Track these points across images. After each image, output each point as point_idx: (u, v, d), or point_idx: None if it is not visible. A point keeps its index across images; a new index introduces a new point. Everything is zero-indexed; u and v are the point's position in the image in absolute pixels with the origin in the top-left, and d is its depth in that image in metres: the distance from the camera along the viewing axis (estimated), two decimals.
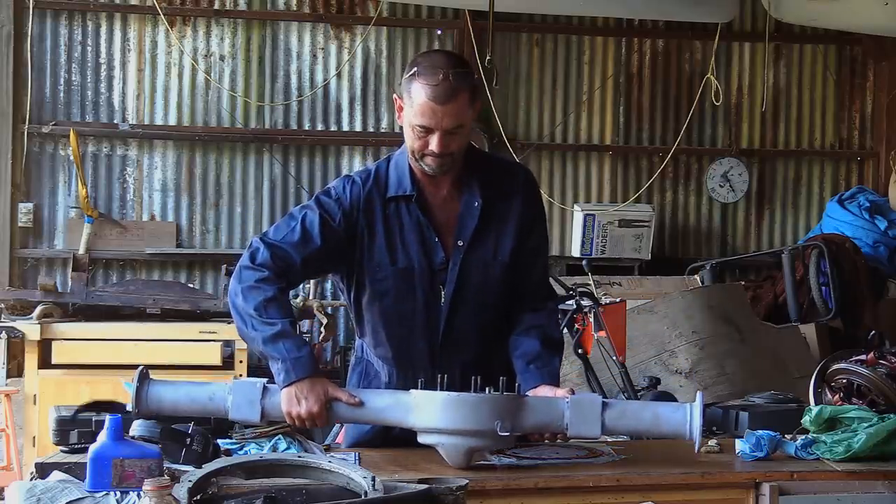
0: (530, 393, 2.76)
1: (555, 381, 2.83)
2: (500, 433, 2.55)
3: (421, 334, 2.89)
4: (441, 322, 2.88)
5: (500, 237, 2.89)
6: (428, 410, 2.59)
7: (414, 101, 2.73)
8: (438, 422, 2.57)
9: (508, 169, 3.05)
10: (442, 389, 2.62)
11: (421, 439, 2.64)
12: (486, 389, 2.58)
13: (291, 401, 2.65)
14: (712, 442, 2.89)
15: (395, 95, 2.86)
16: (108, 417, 2.27)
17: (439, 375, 2.67)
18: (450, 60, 2.78)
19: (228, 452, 2.58)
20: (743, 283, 7.02)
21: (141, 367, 2.64)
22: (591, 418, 2.64)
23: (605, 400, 2.69)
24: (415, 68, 2.76)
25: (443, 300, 2.87)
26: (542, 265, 3.03)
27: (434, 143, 2.74)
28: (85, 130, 7.13)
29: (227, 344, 6.09)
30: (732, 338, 5.70)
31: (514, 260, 2.91)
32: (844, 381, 3.42)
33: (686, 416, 2.64)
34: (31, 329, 5.87)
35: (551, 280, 3.38)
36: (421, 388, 2.65)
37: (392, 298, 2.88)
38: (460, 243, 2.86)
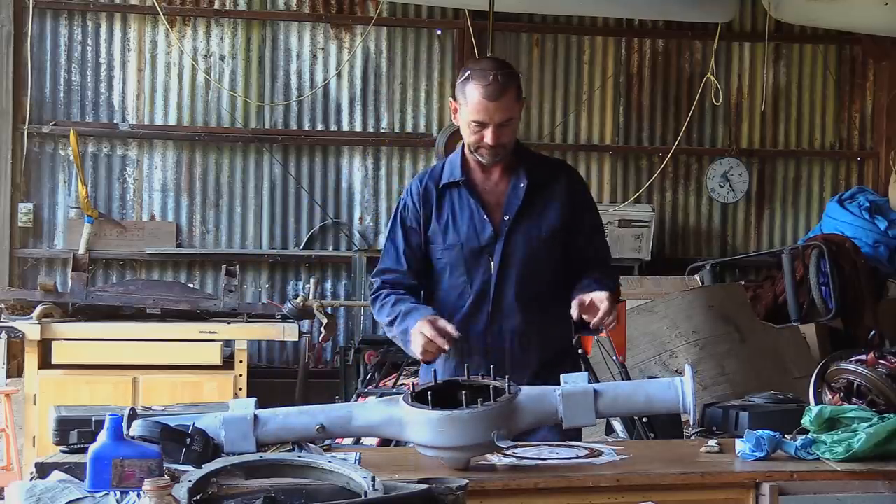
0: (585, 295, 3.07)
1: (609, 289, 3.11)
2: (497, 443, 2.55)
3: (474, 307, 3.24)
4: (490, 294, 3.23)
5: (543, 215, 3.26)
6: (424, 430, 2.58)
7: (469, 101, 3.16)
8: (435, 440, 2.58)
9: (553, 162, 3.63)
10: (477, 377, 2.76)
11: (420, 451, 2.65)
12: (478, 401, 2.58)
13: (418, 336, 3.05)
14: (712, 442, 2.89)
15: (450, 99, 3.30)
16: (108, 417, 2.27)
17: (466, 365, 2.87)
18: (497, 64, 3.26)
19: None
20: (743, 283, 7.01)
21: (129, 409, 2.62)
22: (585, 409, 2.65)
23: (596, 388, 2.68)
24: (468, 73, 3.20)
25: (492, 272, 3.23)
26: (598, 247, 3.37)
27: (488, 136, 3.15)
28: (85, 130, 7.13)
29: (227, 344, 6.10)
30: (732, 338, 5.70)
31: (561, 237, 3.26)
32: (844, 381, 3.42)
33: (678, 393, 2.65)
34: (31, 329, 5.87)
35: None
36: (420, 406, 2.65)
37: (447, 274, 3.28)
38: (506, 218, 3.24)
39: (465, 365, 2.84)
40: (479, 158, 3.22)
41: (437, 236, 3.28)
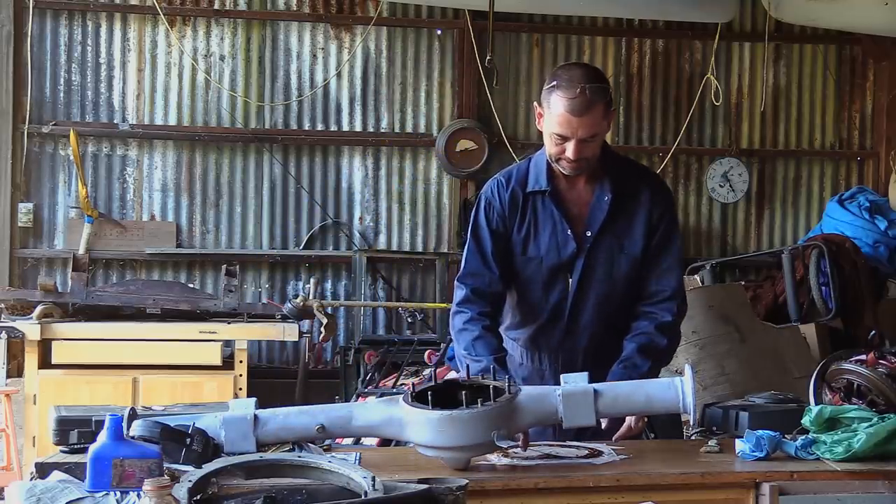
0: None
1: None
2: (497, 443, 2.55)
3: (547, 321, 3.14)
4: (566, 312, 3.13)
5: (627, 231, 3.11)
6: (424, 430, 2.58)
7: (552, 112, 2.98)
8: (435, 440, 2.58)
9: (640, 171, 3.31)
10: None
11: (420, 451, 2.65)
12: (478, 401, 2.58)
13: None
14: (712, 442, 2.89)
15: (535, 103, 3.11)
16: (108, 417, 2.26)
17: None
18: (588, 74, 3.00)
19: None
20: (743, 283, 7.01)
21: (129, 409, 2.62)
22: (585, 409, 2.65)
23: (596, 388, 2.68)
24: (555, 81, 2.99)
25: (570, 289, 3.11)
26: (667, 268, 3.17)
27: (570, 151, 2.99)
28: (85, 130, 7.13)
29: (227, 344, 6.10)
30: (732, 338, 5.69)
31: (640, 258, 3.11)
32: (844, 381, 3.42)
33: (678, 392, 2.65)
34: (31, 329, 5.87)
35: None
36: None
37: (523, 285, 3.16)
38: (588, 234, 3.12)
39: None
40: (560, 169, 3.08)
41: (516, 246, 3.15)
